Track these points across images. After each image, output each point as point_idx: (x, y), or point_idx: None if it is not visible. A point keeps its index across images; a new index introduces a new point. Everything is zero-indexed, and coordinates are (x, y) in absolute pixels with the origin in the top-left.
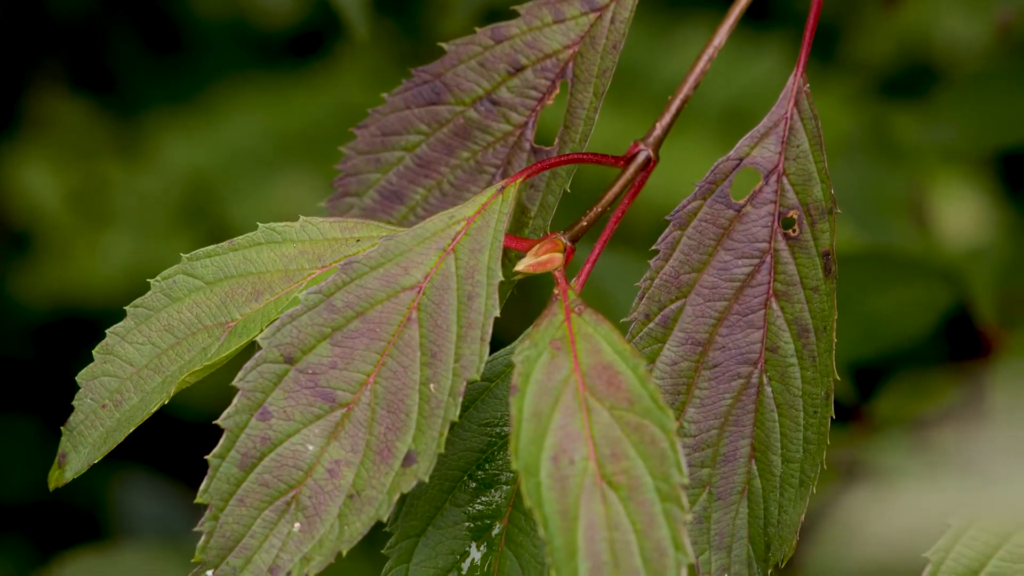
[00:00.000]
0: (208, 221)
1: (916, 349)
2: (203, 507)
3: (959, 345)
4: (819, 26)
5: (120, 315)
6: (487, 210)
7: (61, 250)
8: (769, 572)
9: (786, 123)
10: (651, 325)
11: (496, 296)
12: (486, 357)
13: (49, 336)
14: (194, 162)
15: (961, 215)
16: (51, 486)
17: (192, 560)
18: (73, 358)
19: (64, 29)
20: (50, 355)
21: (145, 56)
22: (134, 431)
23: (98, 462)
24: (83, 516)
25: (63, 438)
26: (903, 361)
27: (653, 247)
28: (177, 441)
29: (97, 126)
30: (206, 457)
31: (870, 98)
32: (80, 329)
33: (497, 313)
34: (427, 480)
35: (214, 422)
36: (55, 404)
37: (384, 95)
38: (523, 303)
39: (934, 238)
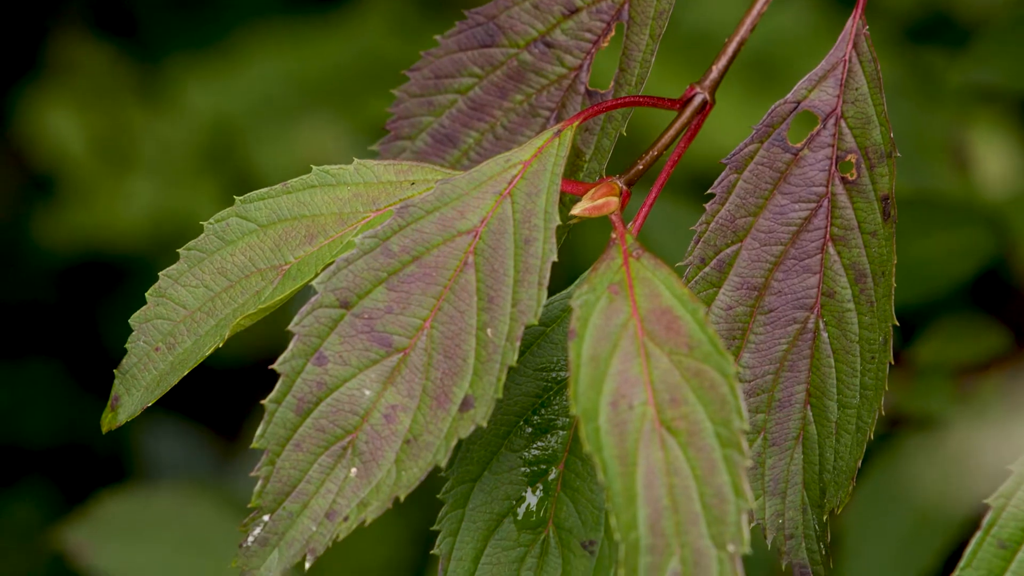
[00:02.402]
0: (231, 167)
1: (958, 294)
2: (224, 451)
3: (1000, 291)
4: None
5: (142, 260)
6: (544, 153)
7: (84, 194)
8: (825, 518)
9: (844, 66)
10: (706, 269)
11: (554, 240)
12: (544, 302)
13: (72, 280)
14: (217, 108)
15: (1000, 160)
16: (104, 429)
17: (248, 505)
18: (96, 302)
19: None
20: (72, 299)
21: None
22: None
23: None
24: (105, 460)
25: (116, 381)
26: (945, 306)
27: (709, 191)
28: (202, 386)
29: (120, 71)
30: (262, 402)
31: (899, 45)
32: (103, 273)
33: (555, 257)
34: (485, 425)
35: (270, 367)
36: (77, 348)
37: (437, 37)
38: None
39: (974, 183)
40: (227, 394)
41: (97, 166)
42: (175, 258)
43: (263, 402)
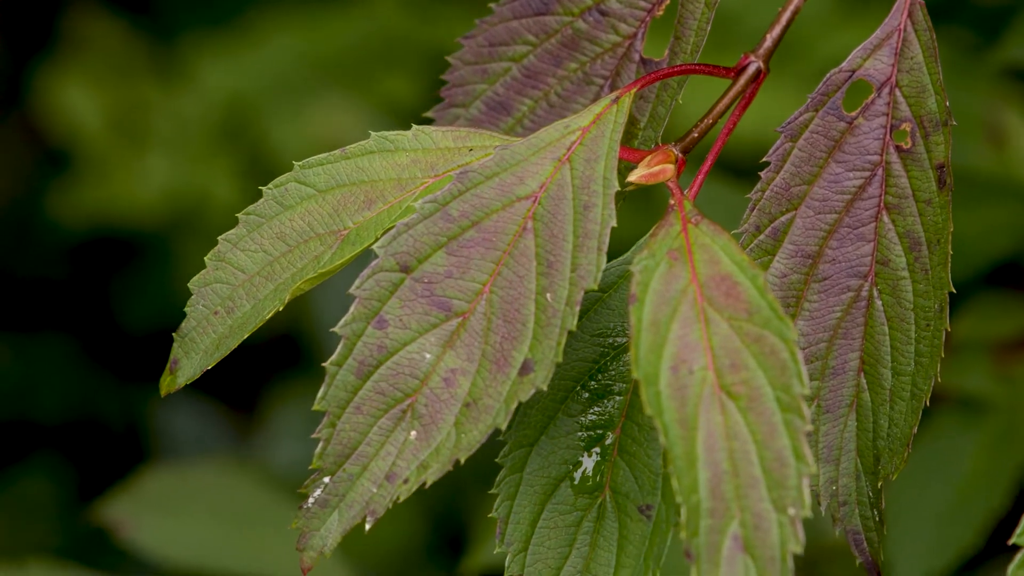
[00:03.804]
0: (246, 144)
1: (996, 270)
2: (239, 426)
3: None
4: None
5: (156, 237)
6: (602, 120)
7: (99, 170)
8: (879, 485)
9: (899, 34)
10: (761, 237)
11: (612, 206)
12: (603, 267)
13: (85, 256)
14: (232, 85)
15: None
16: (162, 392)
17: (309, 467)
18: (108, 278)
19: None
20: (85, 275)
21: None
22: (169, 354)
23: (136, 381)
24: (119, 436)
25: (175, 344)
26: (983, 283)
27: (764, 159)
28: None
29: (134, 47)
30: (324, 364)
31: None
32: (116, 250)
33: (614, 223)
34: (545, 388)
35: (331, 330)
36: (90, 324)
37: (492, 4)
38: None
39: (1011, 159)
40: (242, 369)
41: (112, 142)
42: (189, 235)
43: (325, 364)
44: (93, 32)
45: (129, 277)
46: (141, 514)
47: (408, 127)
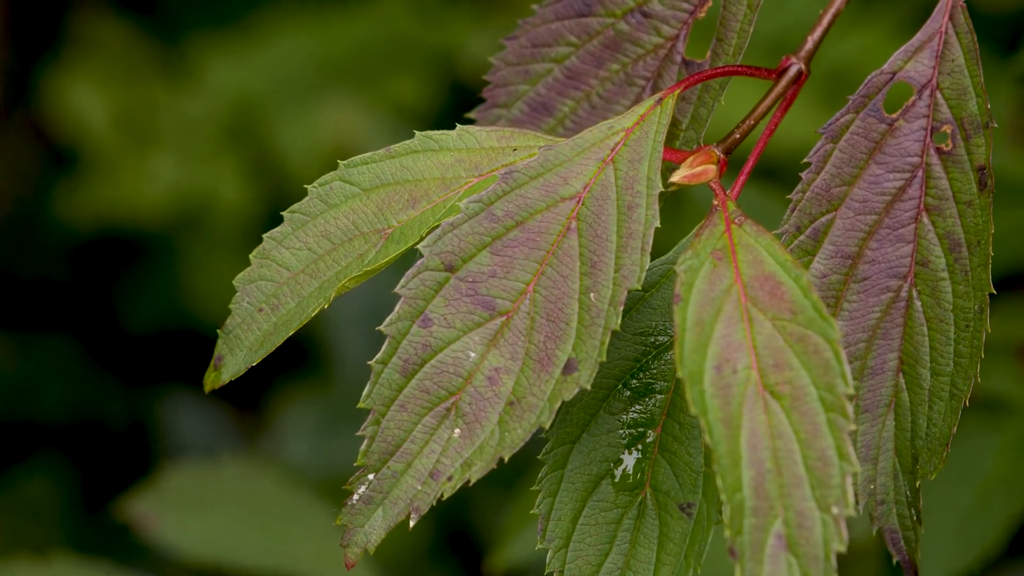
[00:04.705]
0: (253, 144)
1: (1018, 272)
2: (244, 426)
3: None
4: None
5: (161, 237)
6: (646, 121)
7: (106, 170)
8: (918, 484)
9: (940, 37)
10: (802, 237)
11: (656, 206)
12: (647, 267)
13: (88, 256)
14: (239, 85)
15: None
16: (206, 388)
17: (355, 464)
18: (112, 279)
19: None
20: (89, 276)
21: None
22: (178, 353)
23: (141, 382)
24: (121, 436)
25: (219, 340)
26: (1010, 284)
27: (805, 160)
28: None
29: (140, 47)
30: (369, 363)
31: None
32: (120, 250)
33: (658, 223)
34: (589, 388)
35: (377, 328)
36: (93, 325)
37: (535, 7)
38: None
39: None
40: (248, 369)
41: (118, 142)
42: (194, 235)
43: (370, 363)
44: (100, 32)
45: (133, 278)
46: (165, 510)
47: (414, 129)
